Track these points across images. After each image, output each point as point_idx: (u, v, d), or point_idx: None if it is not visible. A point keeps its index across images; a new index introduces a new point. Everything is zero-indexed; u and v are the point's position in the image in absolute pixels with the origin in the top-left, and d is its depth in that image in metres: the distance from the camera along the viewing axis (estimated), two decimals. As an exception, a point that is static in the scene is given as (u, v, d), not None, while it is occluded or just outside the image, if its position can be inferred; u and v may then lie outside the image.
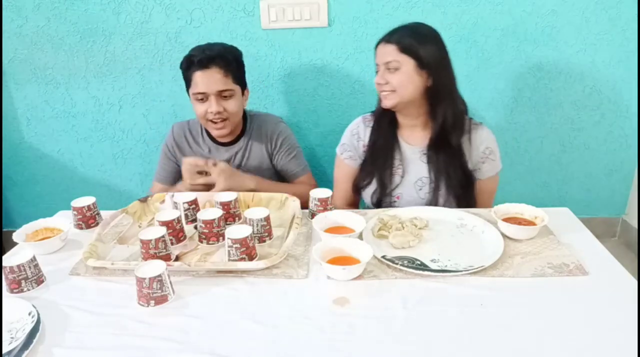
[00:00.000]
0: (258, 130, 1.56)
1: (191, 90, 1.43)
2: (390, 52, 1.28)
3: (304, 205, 1.25)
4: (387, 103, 1.32)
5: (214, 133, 1.49)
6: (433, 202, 1.36)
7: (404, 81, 1.28)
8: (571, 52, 1.86)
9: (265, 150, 1.57)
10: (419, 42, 1.28)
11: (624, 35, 1.82)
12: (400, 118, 1.40)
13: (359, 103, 1.96)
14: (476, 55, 1.86)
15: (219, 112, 1.41)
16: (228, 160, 1.54)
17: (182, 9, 1.83)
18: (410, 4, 1.79)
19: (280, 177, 1.63)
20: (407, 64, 1.27)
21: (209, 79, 1.39)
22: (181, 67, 1.44)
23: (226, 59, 1.41)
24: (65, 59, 1.92)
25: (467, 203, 1.38)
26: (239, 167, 1.55)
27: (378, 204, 1.42)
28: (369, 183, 1.42)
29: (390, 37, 1.29)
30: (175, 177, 1.58)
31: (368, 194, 1.44)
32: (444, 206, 1.34)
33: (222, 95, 1.41)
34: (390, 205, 1.41)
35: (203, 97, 1.41)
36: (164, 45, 1.89)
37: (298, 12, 1.80)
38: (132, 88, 1.97)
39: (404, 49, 1.27)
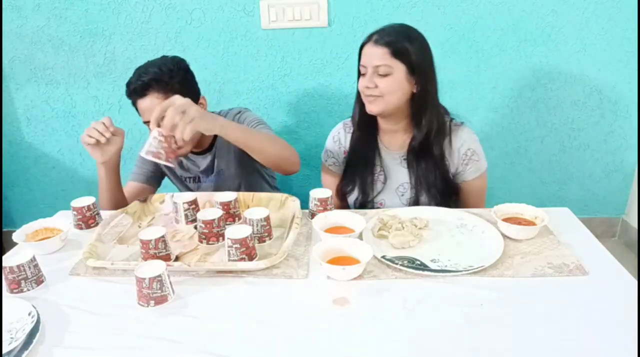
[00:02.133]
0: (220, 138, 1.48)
1: (141, 117, 1.35)
2: (381, 55, 1.21)
3: (273, 160, 1.27)
4: (373, 109, 1.27)
5: (177, 152, 1.40)
6: (415, 205, 1.34)
7: (393, 87, 1.23)
8: (571, 52, 1.86)
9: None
10: (412, 47, 1.22)
11: (624, 35, 1.82)
12: (382, 122, 1.36)
13: (359, 103, 1.96)
14: (476, 55, 1.87)
15: None
16: (207, 169, 1.52)
17: (182, 9, 1.83)
18: (410, 3, 1.79)
19: (262, 172, 1.59)
20: (399, 69, 1.22)
21: (149, 107, 1.29)
22: (127, 96, 1.35)
23: (163, 82, 1.29)
24: (65, 59, 1.93)
25: (448, 205, 1.35)
26: (220, 172, 1.52)
27: (361, 207, 1.41)
28: (352, 190, 1.41)
29: (380, 39, 1.22)
30: (150, 177, 1.53)
31: (352, 200, 1.43)
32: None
33: None
34: None
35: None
36: (164, 45, 1.89)
37: (298, 12, 1.80)
38: (132, 88, 1.97)
39: (396, 54, 1.21)
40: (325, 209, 1.19)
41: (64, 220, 1.18)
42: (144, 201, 1.30)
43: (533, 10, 1.80)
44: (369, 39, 1.25)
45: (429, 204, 1.34)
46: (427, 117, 1.28)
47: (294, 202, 1.23)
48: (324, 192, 1.22)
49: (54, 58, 1.93)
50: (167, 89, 1.30)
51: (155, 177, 1.55)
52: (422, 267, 0.98)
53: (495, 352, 0.77)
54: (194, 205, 1.21)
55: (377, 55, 1.22)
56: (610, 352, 0.76)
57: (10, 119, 2.05)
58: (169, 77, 1.31)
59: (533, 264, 0.99)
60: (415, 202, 1.35)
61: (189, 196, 1.22)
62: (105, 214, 1.25)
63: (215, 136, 1.49)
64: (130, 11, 1.84)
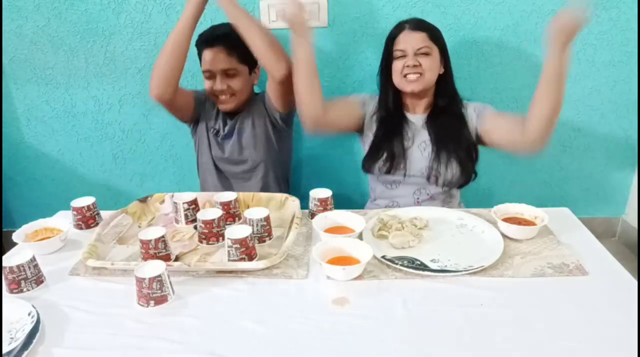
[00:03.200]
0: (254, 103, 1.64)
1: (202, 67, 1.55)
2: (422, 38, 1.38)
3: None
4: (414, 87, 1.39)
5: (220, 107, 1.60)
6: (436, 162, 1.41)
7: (433, 66, 1.39)
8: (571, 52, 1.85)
9: (263, 109, 1.62)
10: (440, 34, 1.43)
11: (624, 35, 1.82)
12: (409, 100, 1.47)
13: (359, 103, 1.95)
14: (476, 55, 1.86)
15: (222, 90, 1.52)
16: (232, 130, 1.62)
17: (182, 9, 1.81)
18: (410, 3, 1.79)
19: (280, 143, 1.68)
20: (435, 51, 1.40)
21: (213, 58, 1.49)
22: (196, 45, 1.55)
23: (231, 39, 1.47)
24: (65, 59, 1.92)
25: (468, 169, 1.43)
26: (241, 133, 1.63)
27: (388, 170, 1.45)
28: (380, 157, 1.45)
29: (415, 27, 1.40)
30: (198, 100, 1.64)
31: (377, 168, 1.46)
32: (447, 168, 1.40)
33: (226, 73, 1.51)
34: (400, 167, 1.44)
35: (210, 75, 1.52)
36: (164, 46, 1.88)
37: (298, 12, 1.79)
38: (132, 88, 1.97)
39: (432, 38, 1.40)
40: (325, 209, 1.20)
41: (63, 220, 1.18)
42: (144, 201, 1.30)
43: (533, 10, 1.79)
44: (401, 28, 1.42)
45: (448, 160, 1.40)
46: (449, 92, 1.47)
47: (293, 202, 1.24)
48: (324, 192, 1.22)
49: (54, 58, 1.92)
50: (232, 48, 1.49)
51: (200, 103, 1.65)
52: (422, 267, 0.98)
53: (495, 352, 0.77)
54: (194, 205, 1.21)
55: (417, 38, 1.39)
56: (610, 352, 0.76)
57: (10, 119, 2.05)
58: (237, 39, 1.45)
59: (533, 264, 0.99)
60: (437, 156, 1.41)
61: (189, 196, 1.22)
62: (105, 214, 1.25)
63: (245, 102, 1.62)
64: (130, 11, 1.83)
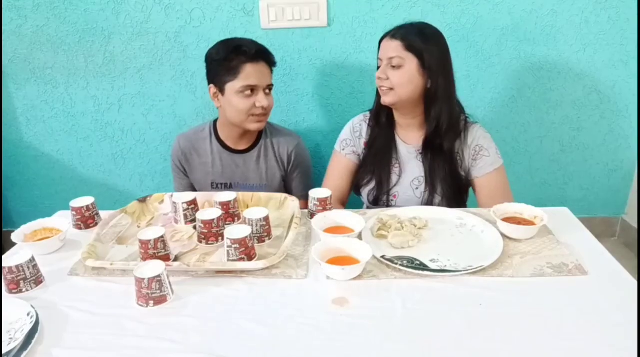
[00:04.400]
0: (276, 144, 1.58)
1: (238, 83, 1.39)
2: (395, 48, 1.27)
3: None
4: (386, 100, 1.33)
5: (254, 126, 1.46)
6: (429, 201, 1.36)
7: (404, 80, 1.28)
8: (571, 52, 1.86)
9: (279, 167, 1.59)
10: (424, 42, 1.27)
11: (624, 35, 1.82)
12: (398, 116, 1.41)
13: (358, 103, 1.95)
14: (476, 55, 1.86)
15: (266, 106, 1.42)
16: (252, 169, 1.58)
17: (181, 9, 1.83)
18: (410, 3, 1.79)
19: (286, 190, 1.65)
20: (411, 62, 1.27)
21: (261, 72, 1.41)
22: (218, 58, 1.41)
23: (271, 55, 1.46)
24: (65, 59, 1.92)
25: (460, 205, 1.39)
26: (246, 176, 1.57)
27: (375, 202, 1.42)
28: (369, 181, 1.43)
29: (396, 33, 1.29)
30: (190, 190, 1.60)
31: (366, 192, 1.44)
32: (439, 205, 1.35)
33: (268, 90, 1.45)
34: (388, 204, 1.41)
35: (252, 90, 1.40)
36: (163, 45, 1.89)
37: (298, 12, 1.79)
38: (131, 88, 1.97)
39: (409, 47, 1.27)
40: (324, 209, 1.19)
41: (63, 220, 1.18)
42: (143, 201, 1.30)
43: (533, 10, 1.79)
44: (387, 33, 1.32)
45: (442, 199, 1.36)
46: (437, 112, 1.32)
47: (293, 202, 1.23)
48: (323, 192, 1.22)
49: (53, 58, 1.92)
50: (272, 64, 1.46)
51: (193, 187, 1.63)
52: (422, 267, 0.98)
53: (495, 352, 0.77)
54: (193, 205, 1.21)
55: (391, 47, 1.28)
56: (610, 353, 0.76)
57: (10, 119, 2.05)
58: (272, 55, 1.47)
59: (532, 264, 0.99)
60: (430, 196, 1.36)
61: (189, 196, 1.22)
62: (104, 214, 1.25)
63: (258, 138, 1.58)
64: (130, 11, 1.84)
